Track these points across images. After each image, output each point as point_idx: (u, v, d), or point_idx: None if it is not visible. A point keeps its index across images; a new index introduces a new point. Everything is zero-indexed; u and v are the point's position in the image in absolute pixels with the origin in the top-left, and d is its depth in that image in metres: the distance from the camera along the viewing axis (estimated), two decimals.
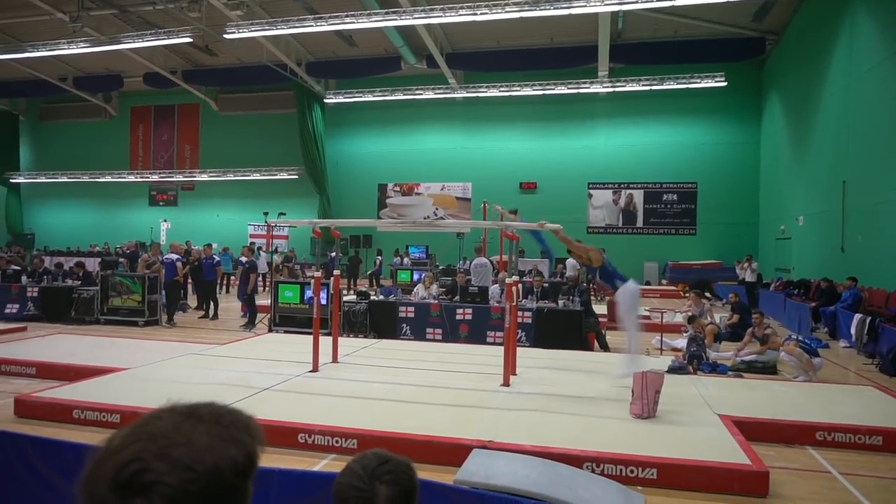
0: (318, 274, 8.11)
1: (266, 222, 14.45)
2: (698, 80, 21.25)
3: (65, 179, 30.24)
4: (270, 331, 11.56)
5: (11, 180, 30.90)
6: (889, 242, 11.99)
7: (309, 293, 11.05)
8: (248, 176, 27.71)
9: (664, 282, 22.78)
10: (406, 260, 21.43)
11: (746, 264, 16.81)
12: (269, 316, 11.97)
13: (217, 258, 14.45)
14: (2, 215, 30.77)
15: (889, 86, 12.27)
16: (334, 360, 8.14)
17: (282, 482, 3.19)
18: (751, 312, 10.53)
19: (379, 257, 22.45)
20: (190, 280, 15.51)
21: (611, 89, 22.55)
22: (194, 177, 29.12)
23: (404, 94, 23.90)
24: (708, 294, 12.25)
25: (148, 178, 29.81)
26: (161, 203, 30.17)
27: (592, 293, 15.63)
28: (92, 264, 17.49)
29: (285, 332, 11.26)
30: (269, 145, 27.78)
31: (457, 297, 11.18)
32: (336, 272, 8.63)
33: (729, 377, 8.15)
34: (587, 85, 22.36)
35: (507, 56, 22.78)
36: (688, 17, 19.50)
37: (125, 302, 12.55)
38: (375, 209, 26.36)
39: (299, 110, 25.88)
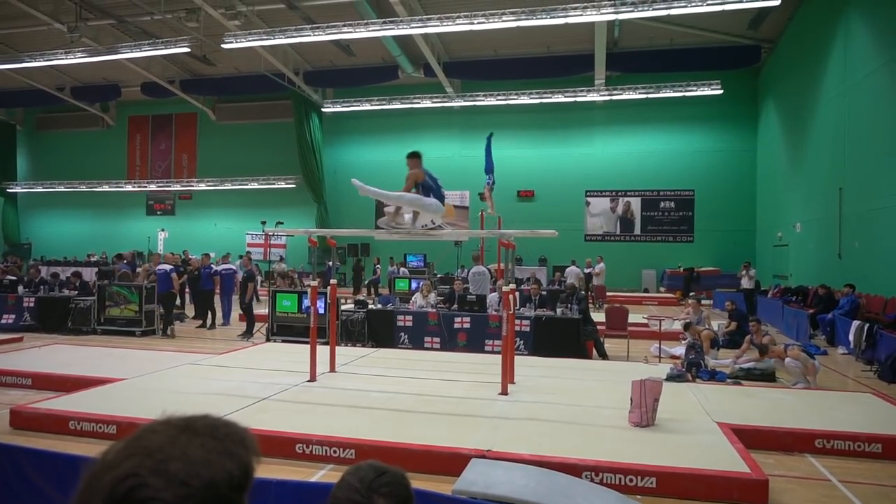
0: (314, 283, 8.10)
1: (263, 231, 14.42)
2: (694, 88, 21.35)
3: (62, 189, 30.21)
4: (268, 340, 11.54)
5: (8, 190, 30.84)
6: (886, 249, 12.02)
7: (306, 302, 11.04)
8: (246, 185, 27.71)
9: (662, 289, 22.81)
10: (403, 270, 21.42)
11: (744, 271, 16.83)
12: (266, 325, 11.95)
13: (215, 268, 14.41)
14: None
15: (884, 93, 12.34)
16: (332, 369, 8.11)
17: (279, 493, 3.17)
18: (748, 320, 10.54)
19: (378, 266, 22.46)
20: (188, 290, 15.49)
21: (607, 97, 22.64)
22: (192, 186, 29.11)
23: (402, 103, 23.97)
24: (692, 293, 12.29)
25: (145, 187, 29.80)
26: (158, 212, 30.14)
27: (591, 301, 15.66)
28: (89, 274, 17.46)
29: (283, 341, 11.23)
30: (267, 154, 27.80)
31: (455, 306, 11.17)
32: (333, 281, 8.62)
33: (727, 385, 8.14)
34: (584, 93, 22.45)
35: (504, 65, 22.88)
36: (683, 26, 19.62)
37: (122, 312, 12.52)
38: (373, 217, 26.34)
39: (297, 119, 25.94)
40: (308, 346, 7.78)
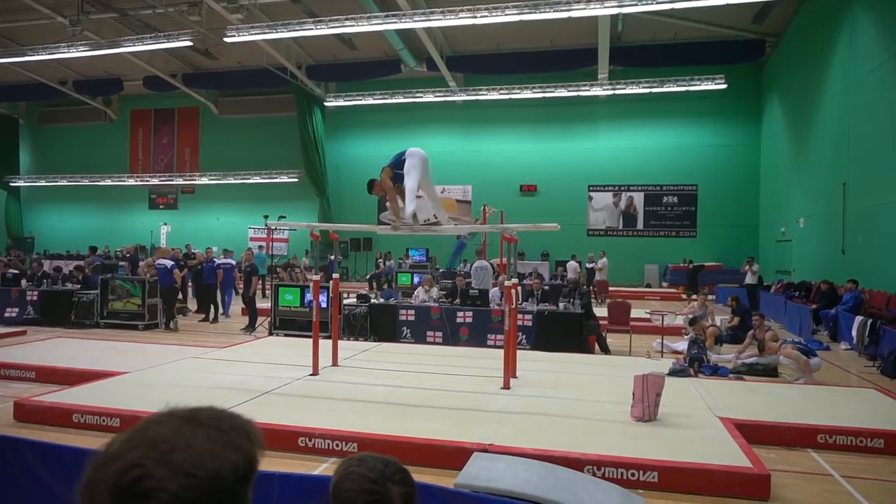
0: (316, 277, 8.11)
1: (266, 225, 14.45)
2: (698, 83, 21.25)
3: (65, 183, 30.24)
4: (271, 334, 11.56)
5: (11, 184, 30.90)
6: (890, 244, 11.98)
7: (309, 296, 11.05)
8: (249, 179, 27.71)
9: (664, 284, 22.78)
10: (390, 263, 21.43)
11: (747, 266, 16.80)
12: (269, 319, 11.97)
13: (217, 261, 14.44)
14: (2, 219, 30.76)
15: (889, 87, 12.28)
16: (334, 363, 8.13)
17: (282, 486, 3.18)
18: (751, 315, 10.52)
19: (380, 260, 22.47)
20: (190, 283, 15.52)
21: (611, 92, 22.56)
22: (194, 180, 29.11)
23: (404, 98, 23.92)
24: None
25: (148, 181, 29.81)
26: (161, 206, 30.16)
27: (593, 296, 15.65)
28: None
29: (285, 335, 11.25)
30: (270, 148, 27.78)
31: (457, 300, 11.17)
32: (336, 275, 8.63)
33: (730, 380, 8.14)
34: (587, 88, 22.37)
35: (507, 59, 22.81)
36: (687, 20, 19.53)
37: (125, 305, 12.55)
38: (376, 212, 26.35)
39: (299, 113, 25.90)
40: (310, 340, 7.80)
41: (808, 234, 16.85)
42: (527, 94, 22.95)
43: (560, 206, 23.55)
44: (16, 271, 14.78)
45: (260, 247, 19.76)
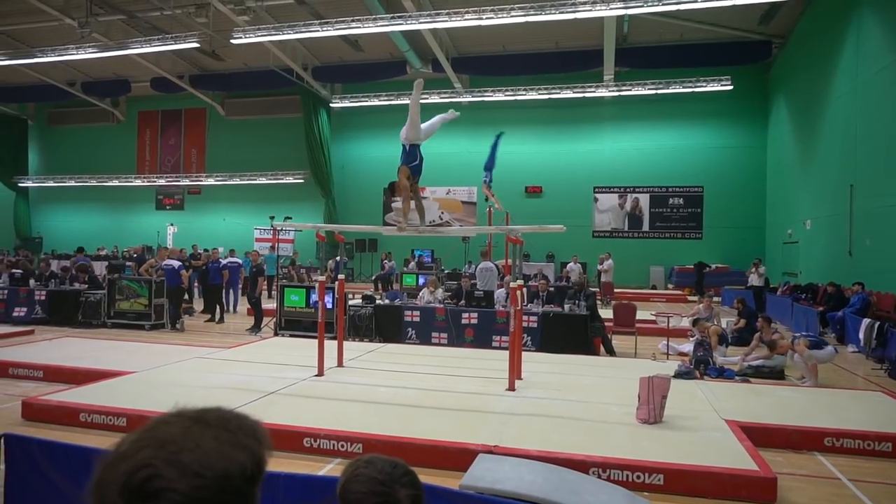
0: (322, 278, 8.12)
1: (272, 226, 14.50)
2: (704, 84, 21.19)
3: (72, 183, 30.39)
4: (276, 334, 11.59)
5: (20, 184, 31.10)
6: None
7: (314, 297, 11.07)
8: (255, 180, 27.78)
9: (670, 286, 22.71)
10: (392, 263, 21.42)
11: (754, 268, 16.73)
12: (274, 320, 12.00)
13: (223, 261, 14.49)
14: (10, 219, 30.95)
15: None
16: (339, 364, 8.14)
17: (287, 486, 3.19)
18: (757, 317, 10.48)
19: (385, 261, 22.45)
20: (196, 284, 15.58)
21: (616, 93, 22.52)
22: (201, 181, 29.21)
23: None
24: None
25: (155, 182, 29.93)
26: (168, 207, 30.28)
27: (598, 298, 15.62)
28: (99, 268, 17.57)
29: (291, 335, 11.28)
30: (276, 149, 27.85)
31: (462, 302, 11.17)
32: (341, 276, 8.64)
33: (736, 382, 8.10)
34: (592, 89, 22.34)
35: (512, 60, 22.80)
36: (693, 21, 19.48)
37: (132, 305, 12.60)
38: (381, 213, 26.40)
39: (305, 115, 25.96)
40: (316, 341, 7.81)
41: (815, 235, 16.77)
42: (532, 96, 22.93)
43: (565, 207, 23.50)
44: (22, 271, 14.86)
45: (271, 247, 19.84)
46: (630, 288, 21.32)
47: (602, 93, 22.55)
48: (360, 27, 18.21)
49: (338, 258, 16.08)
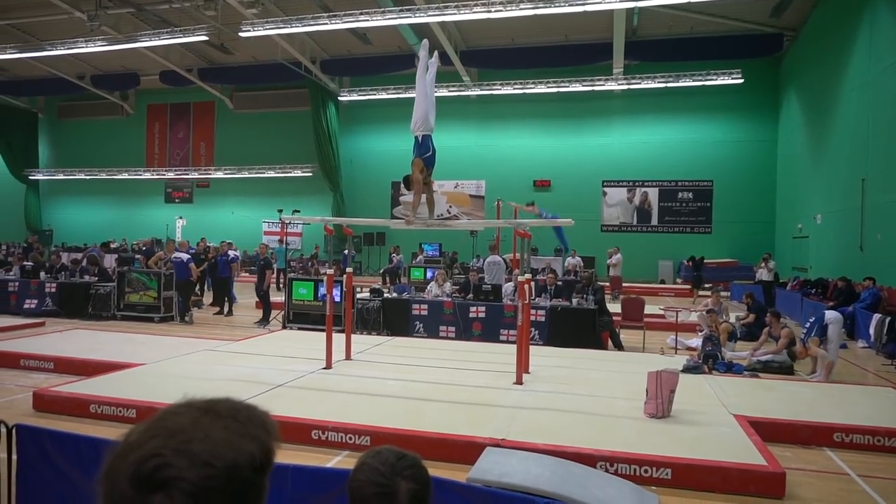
0: (330, 271, 8.14)
1: (280, 219, 14.52)
2: (714, 77, 21.03)
3: (82, 176, 30.58)
4: (284, 327, 11.63)
5: (31, 177, 31.33)
6: None
7: (322, 290, 11.10)
8: (263, 173, 27.85)
9: (679, 280, 22.62)
10: (399, 257, 21.46)
11: (763, 263, 16.63)
12: (283, 313, 12.04)
13: (232, 255, 14.54)
14: (21, 212, 31.20)
15: None
16: (348, 357, 8.16)
17: (295, 478, 3.20)
18: (766, 312, 10.42)
19: (393, 255, 22.50)
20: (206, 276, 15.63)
21: (626, 87, 22.39)
22: (209, 174, 29.32)
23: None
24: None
25: (164, 175, 30.07)
26: (177, 200, 30.43)
27: (607, 292, 15.58)
28: (109, 261, 17.68)
29: (299, 328, 11.32)
30: (284, 143, 27.91)
31: (470, 295, 11.17)
32: (349, 269, 8.66)
33: (745, 377, 8.07)
34: (602, 82, 22.22)
35: (521, 53, 22.70)
36: (704, 14, 19.31)
37: (141, 298, 12.68)
38: (389, 207, 26.42)
39: (314, 108, 25.97)
40: (324, 334, 7.84)
41: (826, 230, 16.64)
42: (541, 89, 22.83)
43: (574, 201, 23.42)
44: (34, 263, 14.96)
45: (281, 241, 19.92)
46: (638, 282, 21.25)
47: (611, 86, 22.43)
48: (368, 20, 18.17)
49: (346, 251, 16.14)
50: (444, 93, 23.76)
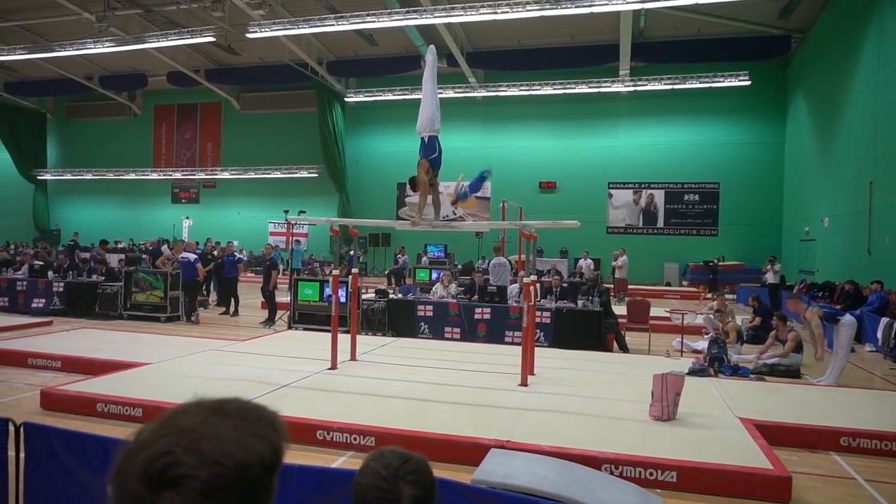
0: (336, 272, 8.15)
1: (286, 220, 14.57)
2: (721, 79, 20.96)
3: (90, 177, 30.74)
4: (290, 328, 11.66)
5: (39, 177, 31.51)
6: None
7: (328, 291, 11.12)
8: (269, 174, 27.93)
9: (685, 283, 22.55)
10: (405, 258, 21.44)
11: (769, 266, 16.56)
12: (288, 313, 12.07)
13: (238, 255, 14.59)
14: (29, 212, 31.38)
15: None
16: (353, 357, 8.18)
17: (301, 478, 3.21)
18: (773, 315, 10.38)
19: (399, 256, 22.51)
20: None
21: (632, 88, 22.34)
22: (216, 175, 29.42)
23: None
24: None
25: (171, 175, 30.18)
26: (184, 200, 30.54)
27: (612, 294, 15.55)
28: (114, 260, 17.73)
29: (304, 329, 11.34)
30: (290, 144, 27.97)
31: (475, 297, 11.17)
32: (354, 270, 8.67)
33: (751, 380, 8.04)
34: (608, 84, 22.18)
35: (527, 55, 22.68)
36: (711, 16, 19.25)
37: (148, 298, 12.74)
38: (395, 208, 26.43)
39: (320, 109, 26.02)
40: (329, 335, 7.85)
41: (833, 233, 16.55)
42: (547, 91, 22.80)
43: (579, 203, 23.40)
44: (41, 262, 15.06)
45: (297, 241, 19.96)
46: (644, 284, 21.19)
47: (618, 88, 22.38)
48: (374, 21, 18.21)
49: (351, 252, 16.16)
50: (449, 94, 23.81)
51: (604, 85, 22.20)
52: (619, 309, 12.14)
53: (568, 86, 22.40)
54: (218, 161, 29.73)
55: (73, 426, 4.63)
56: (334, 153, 26.04)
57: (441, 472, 4.15)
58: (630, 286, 19.06)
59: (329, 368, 7.56)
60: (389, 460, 1.16)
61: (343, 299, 10.17)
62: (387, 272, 22.21)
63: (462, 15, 17.42)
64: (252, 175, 28.29)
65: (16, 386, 7.21)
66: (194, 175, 29.84)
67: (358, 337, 8.62)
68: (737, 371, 8.46)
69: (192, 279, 12.76)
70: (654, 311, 11.51)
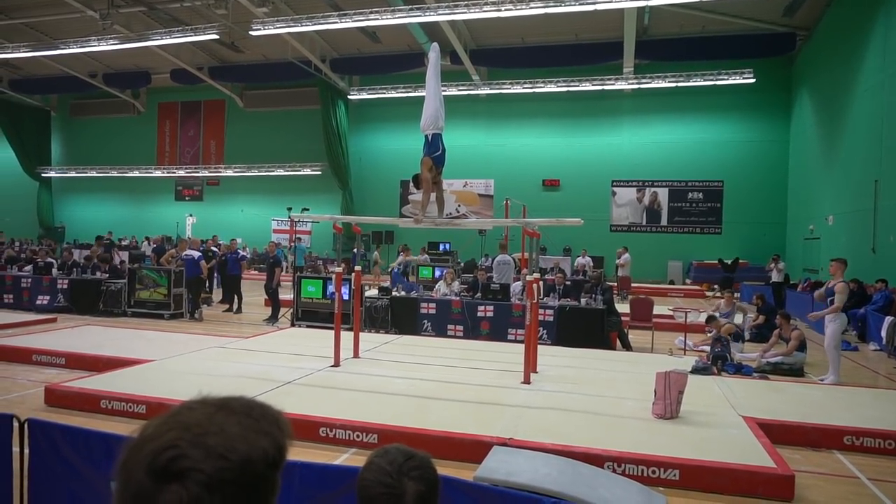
0: (339, 269, 8.16)
1: (289, 217, 14.59)
2: (726, 77, 20.91)
3: (94, 174, 30.84)
4: (293, 325, 11.68)
5: (43, 174, 31.62)
6: None
7: (331, 288, 11.14)
8: (273, 171, 27.97)
9: (688, 281, 22.52)
10: (401, 258, 21.39)
11: (773, 264, 16.52)
12: (291, 310, 12.09)
13: (241, 253, 14.60)
14: (34, 209, 31.49)
15: None
16: (356, 355, 8.19)
17: (303, 475, 3.21)
18: (776, 313, 10.36)
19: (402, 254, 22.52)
20: (215, 274, 15.71)
21: (636, 86, 22.30)
22: (219, 172, 29.48)
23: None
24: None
25: (174, 173, 30.25)
26: (187, 198, 30.60)
27: (615, 292, 15.54)
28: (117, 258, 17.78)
29: (307, 326, 11.36)
30: (294, 141, 28.01)
31: (478, 294, 11.17)
32: (357, 268, 8.68)
33: (754, 379, 8.02)
34: (612, 82, 22.14)
35: (531, 52, 22.66)
36: (715, 13, 19.20)
37: (151, 295, 12.77)
38: (398, 205, 26.45)
39: (323, 106, 26.04)
40: (332, 332, 7.86)
41: (838, 231, 16.51)
42: (551, 88, 22.79)
43: (583, 201, 23.38)
44: (50, 260, 15.09)
45: (299, 238, 19.99)
46: (647, 283, 21.17)
47: (621, 85, 22.35)
48: (378, 19, 18.21)
49: (355, 250, 16.16)
50: (453, 92, 23.77)
51: (607, 83, 22.17)
52: (623, 307, 12.13)
53: (571, 83, 22.38)
54: (221, 159, 29.78)
55: (77, 423, 4.66)
56: (337, 151, 26.06)
57: (444, 469, 4.15)
58: (633, 284, 19.05)
59: (332, 366, 7.58)
60: (394, 457, 1.17)
61: (346, 297, 10.18)
62: (390, 269, 22.22)
63: (466, 12, 17.41)
64: (255, 173, 28.34)
65: (20, 382, 7.24)
66: (198, 172, 29.90)
67: (361, 334, 8.63)
68: (740, 369, 8.45)
69: (195, 276, 12.79)
70: (657, 310, 11.48)
